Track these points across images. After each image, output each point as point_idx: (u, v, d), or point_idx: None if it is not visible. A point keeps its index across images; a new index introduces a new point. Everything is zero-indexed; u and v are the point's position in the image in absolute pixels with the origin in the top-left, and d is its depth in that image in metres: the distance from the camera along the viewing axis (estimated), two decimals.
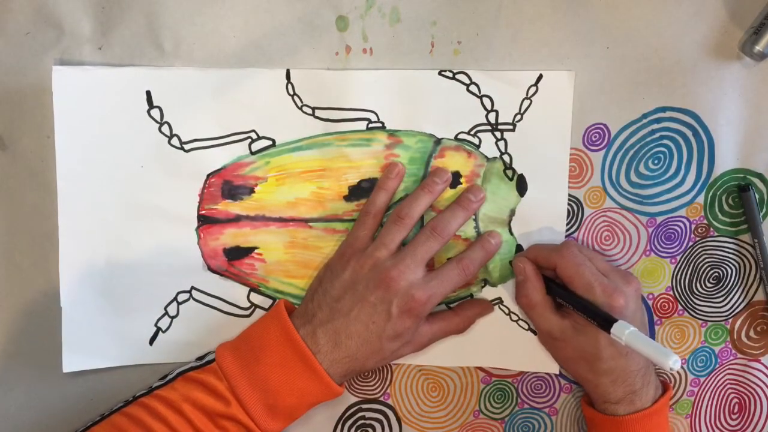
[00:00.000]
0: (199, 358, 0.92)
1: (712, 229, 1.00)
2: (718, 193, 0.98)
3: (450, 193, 0.95)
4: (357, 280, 0.89)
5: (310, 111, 0.92)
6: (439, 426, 1.02)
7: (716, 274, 1.02)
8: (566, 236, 0.98)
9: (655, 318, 1.02)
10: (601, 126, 0.95)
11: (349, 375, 0.90)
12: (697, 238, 1.00)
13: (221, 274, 0.94)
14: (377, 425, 1.01)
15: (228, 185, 0.92)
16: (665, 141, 0.96)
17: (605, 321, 0.86)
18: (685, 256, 1.00)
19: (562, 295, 0.93)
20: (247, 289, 0.95)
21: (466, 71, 0.93)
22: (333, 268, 0.92)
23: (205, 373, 0.87)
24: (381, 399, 1.00)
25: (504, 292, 0.99)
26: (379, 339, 0.88)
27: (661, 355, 0.78)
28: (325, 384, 0.87)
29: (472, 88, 0.93)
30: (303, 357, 0.86)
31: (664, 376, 1.01)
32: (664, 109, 0.95)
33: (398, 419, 1.01)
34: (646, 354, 0.81)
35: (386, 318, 0.88)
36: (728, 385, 1.06)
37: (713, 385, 1.05)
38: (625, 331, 0.83)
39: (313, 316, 0.89)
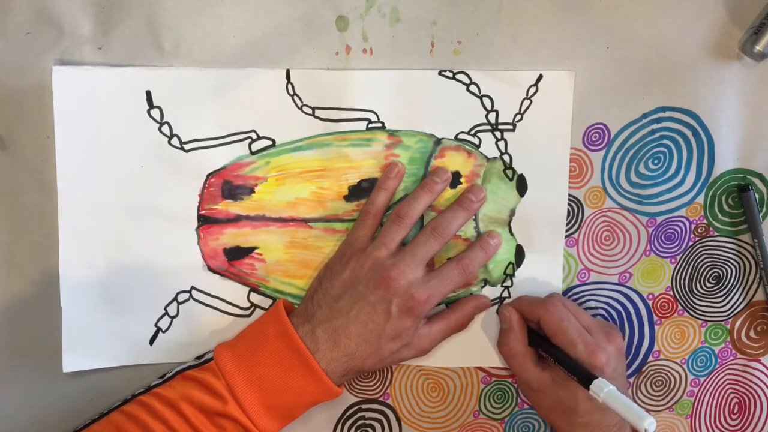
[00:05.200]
0: (198, 358, 0.92)
1: (712, 229, 1.00)
2: (718, 193, 0.99)
3: (450, 193, 0.95)
4: (357, 280, 0.89)
5: (310, 111, 0.92)
6: (439, 426, 1.02)
7: (716, 274, 1.02)
8: (566, 236, 0.98)
9: (655, 318, 1.02)
10: (601, 126, 0.95)
11: (348, 375, 0.90)
12: (697, 238, 1.00)
13: (221, 274, 0.94)
14: (377, 425, 1.01)
15: (228, 185, 0.92)
16: (665, 141, 0.96)
17: (584, 377, 0.86)
18: (685, 256, 1.00)
19: (545, 349, 0.94)
20: (247, 289, 0.95)
21: (466, 71, 0.93)
22: (333, 267, 0.92)
23: (203, 371, 0.87)
24: (381, 399, 1.00)
25: (504, 292, 0.99)
26: (378, 339, 0.89)
27: (636, 418, 0.80)
28: (323, 383, 0.87)
29: (472, 88, 0.93)
30: (301, 356, 0.86)
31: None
32: (664, 109, 0.95)
33: (398, 419, 1.01)
34: (622, 414, 0.81)
35: (386, 317, 0.88)
36: (728, 385, 1.06)
37: (713, 385, 1.05)
38: (603, 389, 0.83)
39: (312, 316, 0.89)
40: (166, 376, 0.90)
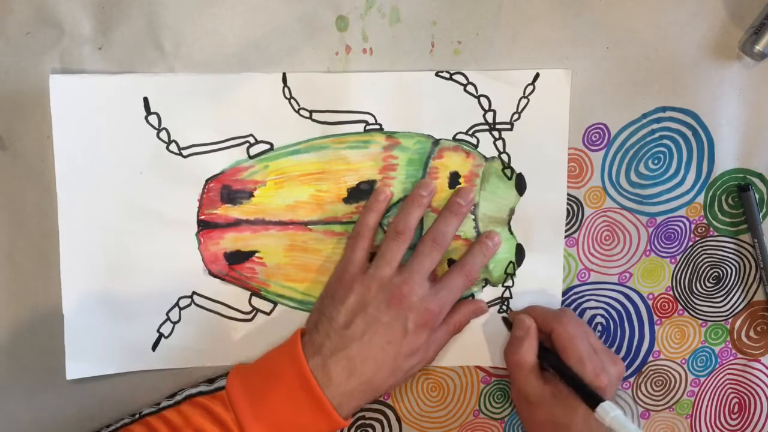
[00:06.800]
0: (210, 381, 0.91)
1: (711, 228, 1.00)
2: (718, 193, 0.99)
3: (449, 194, 0.96)
4: (366, 303, 0.88)
5: (307, 114, 0.92)
6: (439, 426, 1.03)
7: (716, 274, 1.02)
8: (566, 236, 0.98)
9: (655, 318, 1.02)
10: (601, 126, 0.95)
11: (363, 404, 0.90)
12: (697, 238, 1.00)
13: (222, 279, 0.94)
14: (377, 425, 1.02)
15: (227, 190, 0.92)
16: (665, 141, 0.96)
17: (592, 399, 0.87)
18: (684, 256, 1.00)
19: (554, 363, 0.94)
20: (249, 293, 0.95)
21: (463, 71, 0.92)
22: (333, 295, 0.91)
23: (213, 400, 0.86)
24: (381, 399, 1.01)
25: (505, 291, 1.00)
26: (395, 359, 0.88)
27: None
28: (333, 420, 0.85)
29: (470, 88, 0.93)
30: (312, 393, 0.85)
31: None
32: (664, 109, 0.95)
33: (398, 419, 1.02)
34: None
35: (402, 335, 0.88)
36: (728, 385, 1.06)
37: (713, 385, 1.06)
38: (610, 413, 0.84)
39: (321, 346, 0.87)
40: (176, 398, 0.90)
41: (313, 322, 0.92)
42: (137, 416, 0.89)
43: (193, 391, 0.90)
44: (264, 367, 0.89)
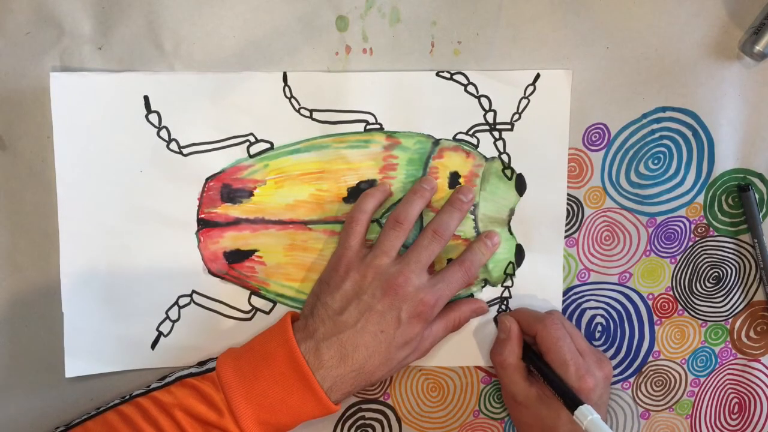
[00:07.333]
0: (200, 363, 0.92)
1: (711, 229, 1.00)
2: (718, 193, 0.99)
3: (448, 194, 0.96)
4: (361, 290, 0.88)
5: (307, 113, 0.92)
6: (439, 426, 1.02)
7: (716, 274, 1.02)
8: (566, 236, 0.98)
9: (655, 318, 1.02)
10: (601, 126, 0.95)
11: (355, 390, 0.90)
12: (697, 238, 1.00)
13: (222, 278, 0.94)
14: (377, 425, 1.01)
15: (227, 188, 0.92)
16: (665, 141, 0.96)
17: (572, 401, 0.87)
18: (684, 256, 1.00)
19: (536, 365, 0.94)
20: (248, 292, 0.95)
21: (463, 72, 0.92)
22: (330, 281, 0.91)
23: (203, 381, 0.87)
24: (381, 399, 1.01)
25: (505, 291, 0.99)
26: (388, 348, 0.88)
27: None
28: (323, 404, 0.86)
29: (470, 88, 0.93)
30: (302, 375, 0.85)
31: None
32: (664, 109, 0.95)
33: (398, 419, 1.02)
34: None
35: (396, 325, 0.88)
36: (728, 385, 1.06)
37: (713, 385, 1.06)
38: (587, 417, 0.84)
39: (315, 331, 0.88)
40: (167, 380, 0.90)
41: (309, 307, 0.92)
42: (127, 397, 0.89)
43: (184, 372, 0.90)
44: (255, 349, 0.89)
